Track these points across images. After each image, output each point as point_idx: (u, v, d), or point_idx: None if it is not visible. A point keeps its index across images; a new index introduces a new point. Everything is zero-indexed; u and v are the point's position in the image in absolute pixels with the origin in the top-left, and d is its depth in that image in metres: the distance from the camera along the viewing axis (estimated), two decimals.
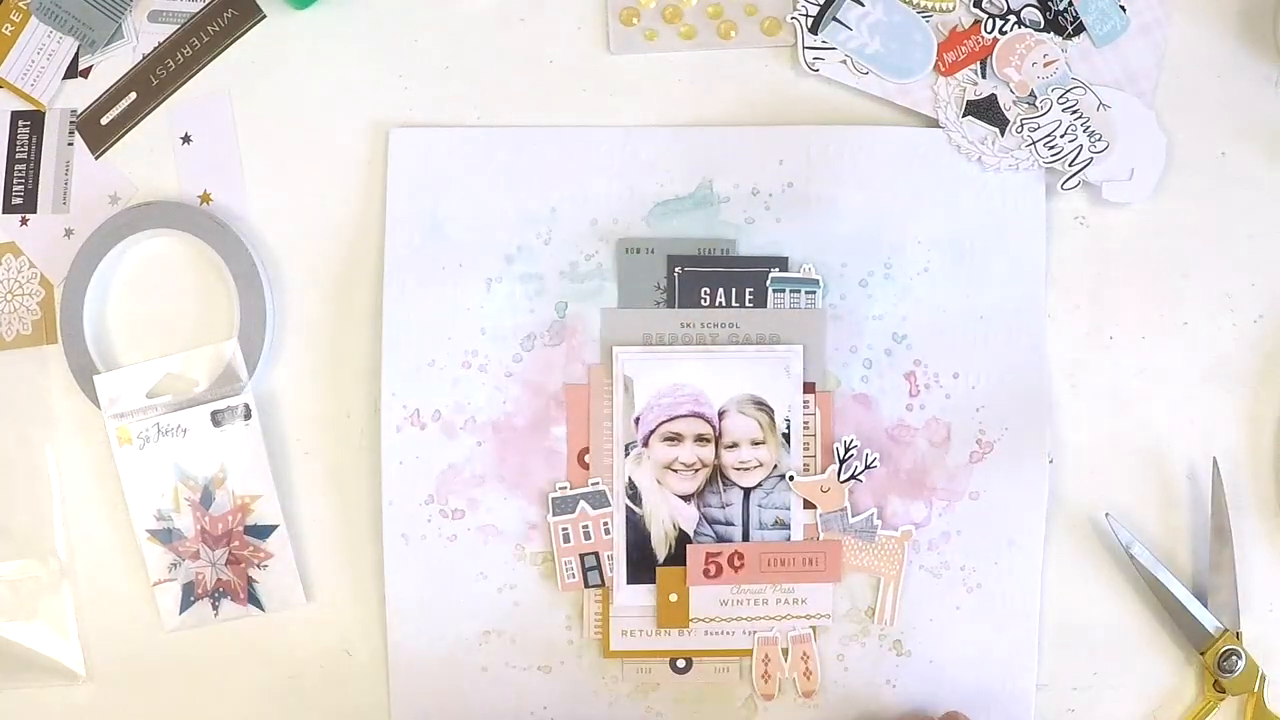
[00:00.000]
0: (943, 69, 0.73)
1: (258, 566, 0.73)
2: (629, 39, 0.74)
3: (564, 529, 0.72)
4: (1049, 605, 0.72)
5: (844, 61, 0.73)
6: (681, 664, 0.72)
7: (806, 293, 0.72)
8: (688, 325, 0.72)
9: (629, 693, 0.72)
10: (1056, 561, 0.72)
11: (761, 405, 0.72)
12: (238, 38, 0.75)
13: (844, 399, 0.72)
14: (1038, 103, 0.73)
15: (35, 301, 0.75)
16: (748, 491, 0.72)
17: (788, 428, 0.72)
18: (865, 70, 0.73)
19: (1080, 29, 0.74)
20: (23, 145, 0.75)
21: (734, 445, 0.72)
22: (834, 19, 0.73)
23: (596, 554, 0.72)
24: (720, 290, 0.72)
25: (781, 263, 0.72)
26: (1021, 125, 0.73)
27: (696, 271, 0.72)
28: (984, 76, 0.73)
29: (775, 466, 0.72)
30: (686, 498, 0.72)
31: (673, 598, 0.72)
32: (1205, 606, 0.71)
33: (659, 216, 0.73)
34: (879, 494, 0.72)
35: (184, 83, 0.75)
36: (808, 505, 0.72)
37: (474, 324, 0.72)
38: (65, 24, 0.75)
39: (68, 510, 0.74)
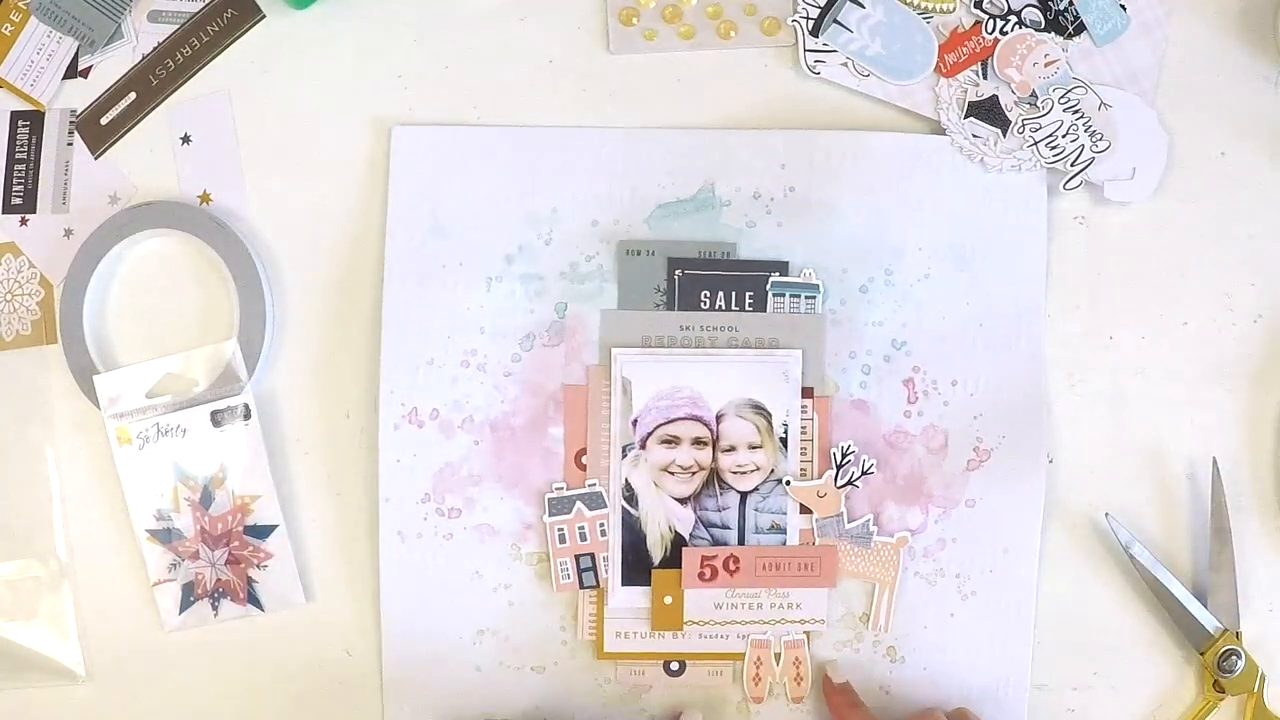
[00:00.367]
0: (944, 70, 0.73)
1: (257, 566, 0.73)
2: (629, 39, 0.74)
3: (560, 529, 0.72)
4: (1048, 605, 0.72)
5: (845, 64, 0.73)
6: (675, 666, 0.72)
7: (806, 297, 0.72)
8: (687, 328, 0.72)
9: (622, 694, 0.72)
10: (1056, 562, 0.72)
11: (759, 409, 0.72)
12: (237, 38, 0.75)
13: (842, 404, 0.72)
14: (1039, 103, 0.73)
15: (35, 301, 0.75)
16: (744, 495, 0.72)
17: (785, 432, 0.72)
18: (866, 72, 0.73)
19: (1081, 29, 0.73)
20: (22, 145, 0.75)
21: (731, 449, 0.72)
22: (834, 21, 0.72)
23: (592, 555, 0.72)
24: (720, 293, 0.72)
25: (782, 267, 0.72)
26: (1023, 126, 0.72)
27: (697, 274, 0.72)
28: (985, 77, 0.73)
29: (772, 471, 0.72)
30: (683, 500, 0.72)
31: (667, 600, 0.72)
32: (1205, 606, 0.71)
33: (660, 218, 0.73)
34: (875, 500, 0.72)
35: (184, 83, 0.75)
36: (804, 510, 0.72)
37: (473, 323, 0.72)
38: (65, 24, 0.75)
39: (68, 510, 0.74)
